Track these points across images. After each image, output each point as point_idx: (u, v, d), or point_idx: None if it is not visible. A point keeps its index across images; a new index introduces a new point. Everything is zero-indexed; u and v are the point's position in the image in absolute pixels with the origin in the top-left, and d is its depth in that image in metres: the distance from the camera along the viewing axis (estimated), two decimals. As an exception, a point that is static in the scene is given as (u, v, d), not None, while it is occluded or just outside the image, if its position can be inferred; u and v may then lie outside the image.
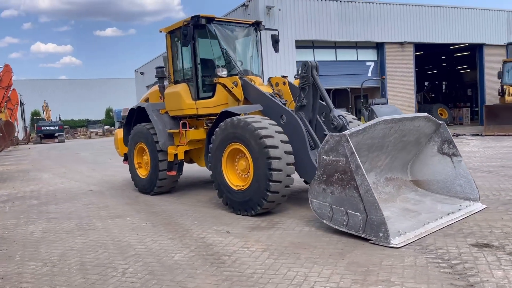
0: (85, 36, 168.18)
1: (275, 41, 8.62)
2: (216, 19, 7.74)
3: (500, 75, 21.53)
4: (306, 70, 6.73)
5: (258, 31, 8.46)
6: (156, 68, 9.05)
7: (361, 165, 4.92)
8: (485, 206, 6.11)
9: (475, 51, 26.21)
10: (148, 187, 8.61)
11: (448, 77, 40.75)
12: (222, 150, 6.63)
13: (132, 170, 9.10)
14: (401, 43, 22.68)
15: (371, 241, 4.80)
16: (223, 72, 7.11)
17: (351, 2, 21.39)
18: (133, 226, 6.18)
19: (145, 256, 4.80)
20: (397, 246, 4.65)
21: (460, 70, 41.23)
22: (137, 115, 9.26)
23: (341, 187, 5.11)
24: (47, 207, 8.09)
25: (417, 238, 4.87)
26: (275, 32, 8.57)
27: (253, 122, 6.18)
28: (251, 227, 5.79)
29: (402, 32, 22.67)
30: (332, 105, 6.70)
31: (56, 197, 9.09)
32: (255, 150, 6.08)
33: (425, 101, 33.32)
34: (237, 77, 7.26)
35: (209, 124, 7.93)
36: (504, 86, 20.75)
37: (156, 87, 9.56)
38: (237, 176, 6.66)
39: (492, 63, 25.65)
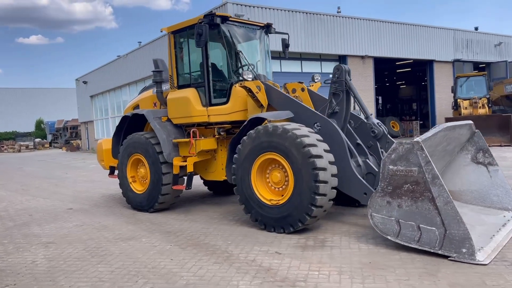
0: (6, 43, 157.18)
1: (285, 46, 8.15)
2: (230, 18, 7.12)
3: (454, 90, 22.62)
4: (340, 75, 6.31)
5: (268, 34, 7.94)
6: (153, 71, 8.19)
7: (438, 175, 4.53)
8: (526, 216, 5.96)
9: (426, 66, 27.47)
10: (146, 203, 7.68)
11: (390, 91, 42.65)
12: (252, 161, 5.98)
13: (124, 185, 8.11)
14: (362, 57, 23.18)
15: (451, 258, 4.39)
16: (249, 76, 6.47)
17: (317, 14, 21.53)
18: (158, 249, 5.32)
19: (204, 286, 4.03)
20: (484, 262, 4.28)
21: (400, 85, 43.45)
22: (129, 124, 8.32)
23: (411, 199, 4.68)
24: (29, 229, 6.91)
25: (496, 253, 4.54)
26: (286, 36, 8.10)
27: (294, 130, 5.62)
28: (299, 246, 5.18)
29: (363, 46, 23.17)
30: (369, 112, 6.31)
31: (32, 218, 7.86)
32: (297, 160, 5.51)
33: (377, 113, 34.39)
34: (259, 81, 6.66)
35: (222, 133, 7.25)
36: (458, 100, 21.79)
37: (149, 92, 8.69)
38: (268, 190, 6.03)
39: (441, 79, 26.99)
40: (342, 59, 22.82)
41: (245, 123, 6.38)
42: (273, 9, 20.24)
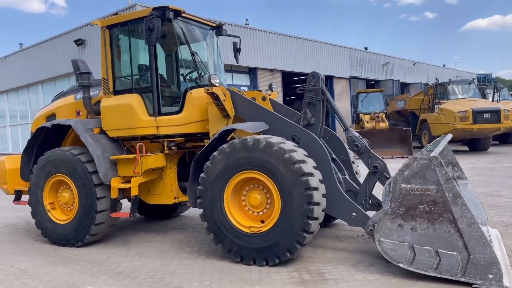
0: None
1: (237, 50, 7.34)
2: (183, 14, 6.09)
3: (355, 104, 23.83)
4: (315, 82, 5.70)
5: (218, 36, 7.05)
6: (78, 73, 6.71)
7: (460, 193, 4.10)
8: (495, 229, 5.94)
9: (326, 82, 28.68)
10: (73, 235, 6.15)
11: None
12: (226, 180, 5.02)
13: (40, 213, 6.45)
14: (271, 70, 23.24)
15: (476, 286, 3.96)
16: (216, 80, 5.49)
17: (228, 25, 20.99)
18: (119, 302, 4.06)
19: None
20: (512, 288, 3.93)
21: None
22: (44, 138, 6.70)
23: (428, 221, 4.19)
24: None
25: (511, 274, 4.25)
26: (237, 40, 7.29)
27: (279, 144, 4.81)
28: (297, 282, 4.36)
29: (272, 59, 23.25)
30: (347, 124, 5.78)
31: None
32: (285, 179, 4.70)
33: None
34: (223, 87, 5.73)
35: (173, 148, 6.13)
36: (360, 114, 22.96)
37: (70, 99, 7.14)
38: (243, 215, 5.12)
39: (340, 94, 28.38)
40: (252, 71, 22.60)
41: (214, 135, 5.39)
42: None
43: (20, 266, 5.42)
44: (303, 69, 25.50)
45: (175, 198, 6.30)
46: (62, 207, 6.44)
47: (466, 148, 20.89)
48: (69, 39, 20.90)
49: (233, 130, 5.40)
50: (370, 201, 5.56)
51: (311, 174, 4.70)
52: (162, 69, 6.24)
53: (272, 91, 6.83)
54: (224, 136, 5.43)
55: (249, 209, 5.10)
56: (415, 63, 37.79)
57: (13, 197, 7.24)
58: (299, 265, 4.87)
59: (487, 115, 17.93)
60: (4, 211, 9.47)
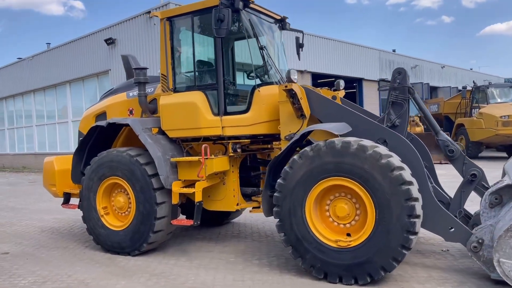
0: None
1: (299, 45, 6.82)
2: (251, 4, 5.59)
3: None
4: (401, 80, 5.14)
5: (281, 30, 6.55)
6: (135, 68, 6.28)
7: None
8: None
9: (356, 84, 27.98)
10: (129, 243, 5.70)
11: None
12: (308, 188, 4.49)
13: (92, 219, 6.01)
14: (302, 71, 22.67)
15: None
16: (295, 76, 4.97)
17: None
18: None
19: None
20: None
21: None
22: (96, 138, 6.28)
23: (562, 240, 3.60)
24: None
25: None
26: (300, 34, 6.77)
27: (373, 147, 4.27)
28: (401, 306, 3.80)
29: (301, 61, 22.67)
30: (438, 127, 5.21)
31: (-48, 270, 5.41)
32: (382, 188, 4.16)
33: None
34: (296, 84, 5.20)
35: (238, 150, 5.63)
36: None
37: (121, 96, 6.71)
38: (327, 227, 4.58)
39: (369, 96, 27.66)
40: (282, 72, 22.08)
41: (292, 137, 4.88)
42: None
43: (78, 276, 4.97)
44: (333, 71, 24.88)
45: (237, 204, 5.81)
46: (116, 212, 6.00)
47: (504, 154, 20.00)
48: (97, 39, 20.67)
49: (310, 132, 4.87)
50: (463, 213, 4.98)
51: (411, 183, 4.15)
52: (226, 65, 5.75)
53: (340, 89, 6.28)
54: (299, 139, 4.91)
55: (334, 221, 4.56)
56: (444, 66, 36.79)
57: (59, 200, 6.86)
58: (393, 285, 4.31)
59: (531, 120, 17.08)
60: (42, 214, 9.09)
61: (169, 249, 6.03)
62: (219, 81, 5.48)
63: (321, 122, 5.18)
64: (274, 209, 4.71)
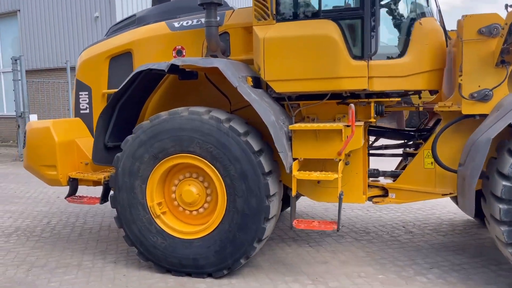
0: None
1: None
2: None
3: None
4: None
5: None
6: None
7: None
8: None
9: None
10: (213, 260, 3.57)
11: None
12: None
13: (137, 221, 3.72)
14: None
15: None
16: (516, 2, 3.18)
17: None
18: None
19: None
20: None
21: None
22: (133, 93, 3.91)
23: None
24: None
25: None
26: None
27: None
28: None
29: None
30: None
31: None
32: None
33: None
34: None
35: (385, 115, 3.78)
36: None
37: (161, 27, 4.33)
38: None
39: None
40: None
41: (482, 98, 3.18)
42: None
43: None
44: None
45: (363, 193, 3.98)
46: (179, 211, 3.79)
47: None
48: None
49: None
50: None
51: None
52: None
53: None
54: None
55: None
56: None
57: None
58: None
59: None
60: (61, 204, 5.90)
61: (263, 262, 4.02)
62: (365, 5, 3.50)
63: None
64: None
